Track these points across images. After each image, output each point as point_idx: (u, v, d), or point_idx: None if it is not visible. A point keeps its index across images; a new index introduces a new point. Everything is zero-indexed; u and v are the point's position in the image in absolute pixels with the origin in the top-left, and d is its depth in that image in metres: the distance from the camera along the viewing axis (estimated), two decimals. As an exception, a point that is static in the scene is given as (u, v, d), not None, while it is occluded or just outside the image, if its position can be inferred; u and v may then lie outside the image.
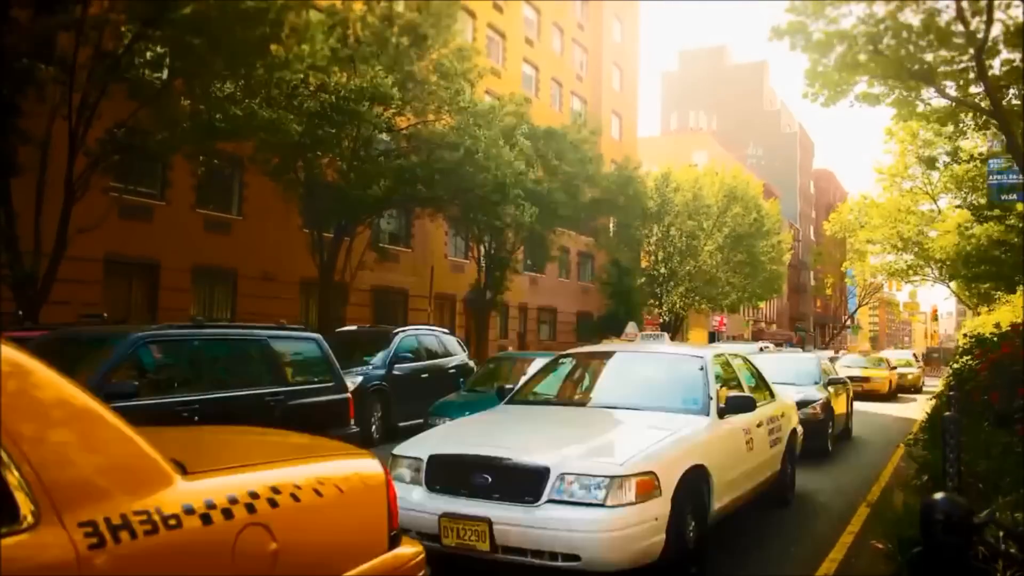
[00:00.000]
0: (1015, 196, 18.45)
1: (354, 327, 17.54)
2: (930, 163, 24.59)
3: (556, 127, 28.77)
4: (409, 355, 14.01)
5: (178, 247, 20.25)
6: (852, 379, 18.81)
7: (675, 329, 44.04)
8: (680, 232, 41.14)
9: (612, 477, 4.50)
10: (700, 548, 5.10)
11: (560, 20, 40.70)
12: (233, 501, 2.43)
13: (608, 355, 7.70)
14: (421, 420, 10.11)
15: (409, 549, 3.07)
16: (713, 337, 54.69)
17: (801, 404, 9.29)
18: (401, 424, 12.14)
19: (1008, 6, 12.89)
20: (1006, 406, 6.91)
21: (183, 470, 2.41)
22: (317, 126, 17.58)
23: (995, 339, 8.52)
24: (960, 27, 12.54)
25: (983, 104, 14.04)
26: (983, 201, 21.87)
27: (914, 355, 37.45)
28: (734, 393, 6.20)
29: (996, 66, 13.75)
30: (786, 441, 7.35)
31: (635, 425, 5.62)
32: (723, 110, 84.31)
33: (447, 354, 15.19)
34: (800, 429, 8.00)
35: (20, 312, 12.59)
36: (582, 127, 30.56)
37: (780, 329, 78.16)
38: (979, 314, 32.07)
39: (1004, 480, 4.96)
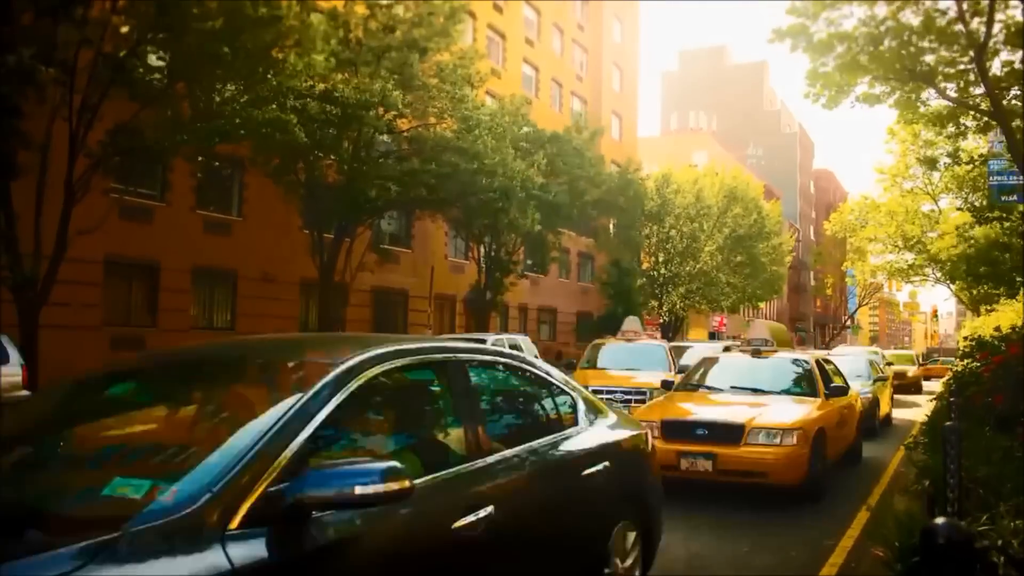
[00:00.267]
0: (1015, 197, 18.43)
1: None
2: (931, 164, 24.59)
3: (559, 131, 28.79)
4: None
5: (178, 248, 20.25)
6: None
7: (675, 329, 44.06)
8: (680, 233, 41.15)
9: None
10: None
11: (560, 21, 40.70)
12: None
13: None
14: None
15: None
16: (713, 337, 54.71)
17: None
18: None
19: (1008, 6, 12.90)
20: (1010, 409, 6.88)
21: None
22: (319, 128, 17.59)
23: (996, 342, 8.50)
24: (960, 27, 12.55)
25: (983, 105, 14.04)
26: (984, 202, 21.85)
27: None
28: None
29: (997, 67, 13.78)
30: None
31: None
32: (723, 110, 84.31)
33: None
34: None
35: None
36: (583, 129, 30.55)
37: (780, 329, 78.06)
38: (979, 315, 32.06)
39: (1005, 486, 4.94)
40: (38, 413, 3.21)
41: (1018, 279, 20.55)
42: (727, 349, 13.89)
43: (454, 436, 3.22)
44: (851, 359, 15.44)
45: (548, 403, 4.02)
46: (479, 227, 25.35)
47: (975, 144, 20.83)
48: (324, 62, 15.30)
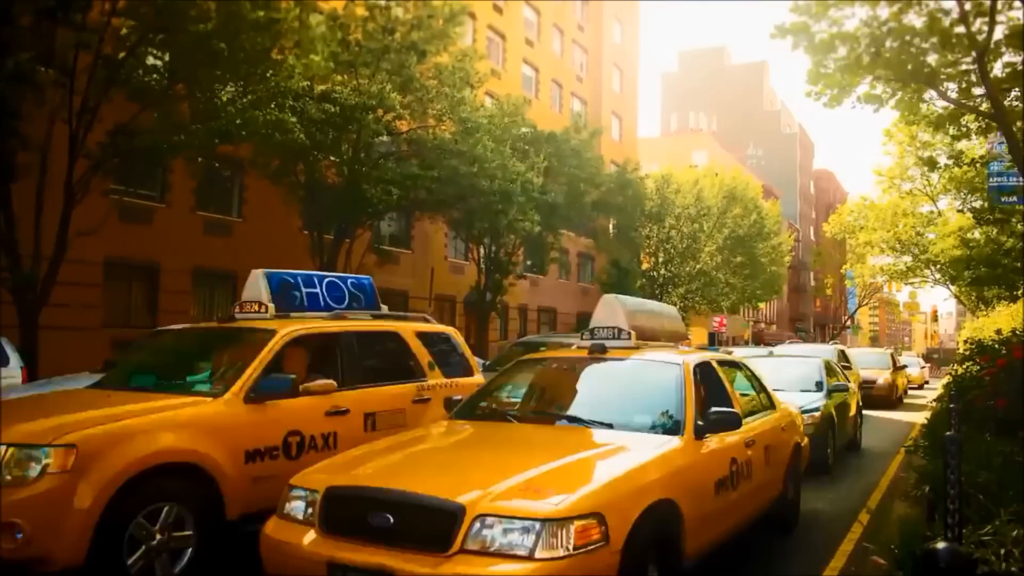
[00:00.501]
0: (1015, 199, 18.42)
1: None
2: (931, 165, 24.56)
3: (558, 131, 28.78)
4: None
5: (178, 249, 20.24)
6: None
7: (675, 330, 43.98)
8: (680, 234, 41.14)
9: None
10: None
11: (560, 21, 40.68)
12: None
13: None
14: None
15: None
16: (713, 338, 54.67)
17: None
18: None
19: (1010, 7, 12.88)
20: (1012, 413, 6.88)
21: None
22: (318, 130, 17.58)
23: (997, 345, 8.49)
24: (962, 29, 12.52)
25: (984, 107, 14.02)
26: (984, 204, 21.85)
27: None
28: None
29: (999, 68, 13.75)
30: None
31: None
32: (723, 110, 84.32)
33: None
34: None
35: None
36: (582, 129, 30.53)
37: (780, 330, 78.14)
38: (979, 316, 32.07)
39: (1006, 492, 4.94)
40: None
41: (1018, 281, 20.54)
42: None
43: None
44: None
45: None
46: (479, 228, 25.34)
47: (974, 144, 20.82)
48: (323, 64, 15.29)
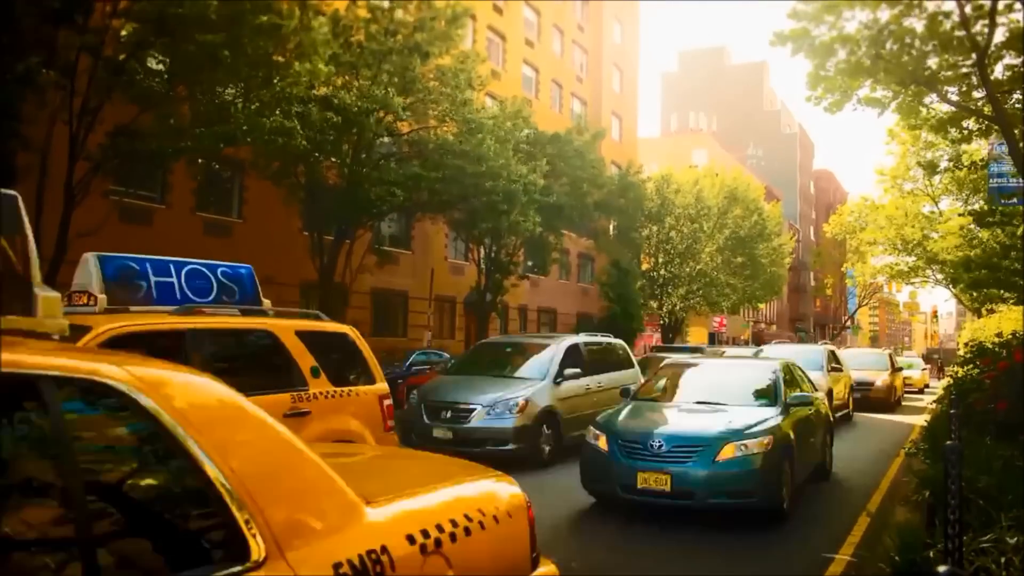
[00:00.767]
0: (1015, 201, 18.44)
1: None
2: (931, 168, 24.58)
3: (560, 131, 28.79)
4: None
5: (178, 250, 19.98)
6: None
7: (675, 330, 44.07)
8: (680, 234, 41.15)
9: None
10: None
11: (560, 22, 40.68)
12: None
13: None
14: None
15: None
16: (713, 338, 54.69)
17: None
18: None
19: (1010, 9, 12.90)
20: (1013, 416, 6.88)
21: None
22: (319, 132, 17.57)
23: (997, 348, 8.49)
24: (963, 32, 12.53)
25: (985, 109, 14.04)
26: (984, 206, 21.84)
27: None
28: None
29: (999, 71, 13.78)
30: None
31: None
32: (723, 111, 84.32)
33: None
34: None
35: None
36: (584, 130, 30.54)
37: (780, 330, 78.14)
38: (980, 316, 32.05)
39: (1006, 497, 4.95)
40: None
41: (1019, 283, 20.54)
42: None
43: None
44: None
45: None
46: (480, 229, 25.34)
47: (977, 147, 20.83)
48: (326, 69, 15.31)
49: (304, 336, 6.38)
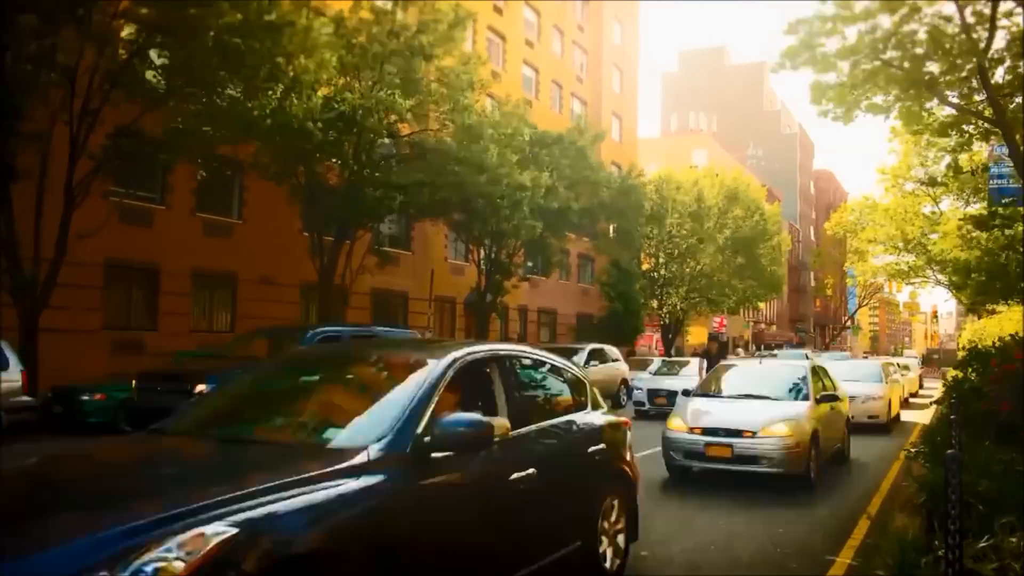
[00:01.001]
0: (1016, 203, 18.44)
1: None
2: (931, 182, 24.62)
3: (561, 133, 28.80)
4: None
5: (178, 251, 20.24)
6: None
7: (675, 330, 44.11)
8: (681, 234, 41.17)
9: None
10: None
11: (560, 22, 40.68)
12: None
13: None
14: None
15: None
16: (713, 339, 54.70)
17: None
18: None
19: (1011, 14, 12.90)
20: (1014, 418, 6.89)
21: None
22: (320, 132, 17.57)
23: (996, 352, 8.50)
24: (963, 36, 12.54)
25: (986, 112, 14.05)
26: (985, 210, 21.83)
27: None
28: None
29: (999, 75, 13.78)
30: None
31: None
32: (723, 111, 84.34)
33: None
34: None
35: None
36: (584, 131, 30.55)
37: (780, 330, 78.17)
38: (980, 317, 32.05)
39: (1005, 502, 4.95)
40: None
41: (1020, 286, 20.53)
42: None
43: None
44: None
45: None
46: (481, 231, 25.36)
47: (978, 150, 20.83)
48: (333, 59, 15.34)
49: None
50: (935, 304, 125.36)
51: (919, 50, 12.66)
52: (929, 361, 50.64)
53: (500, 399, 4.53)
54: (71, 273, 15.48)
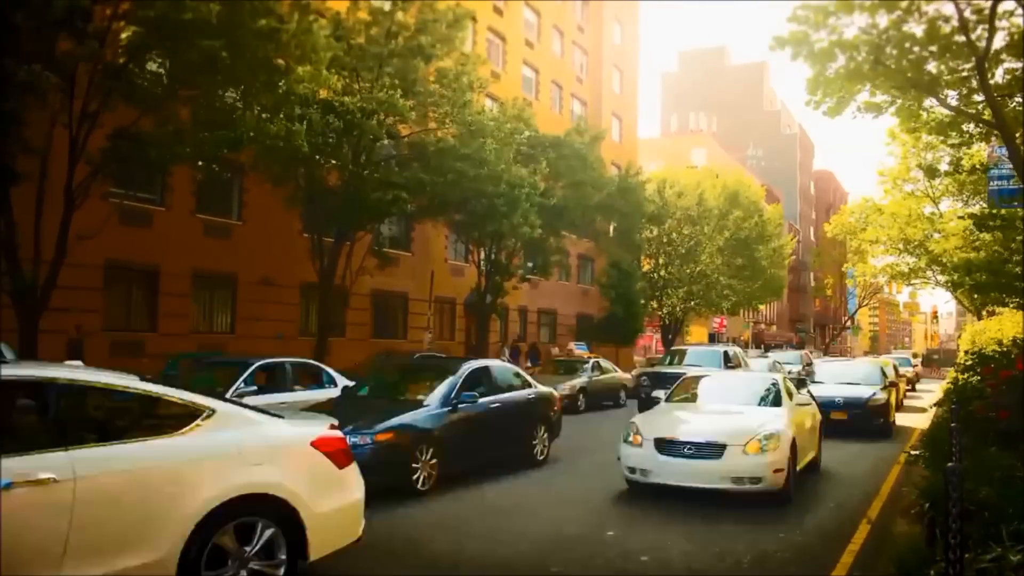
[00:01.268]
0: (1016, 204, 18.44)
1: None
2: (931, 172, 24.58)
3: (560, 134, 28.79)
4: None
5: (178, 252, 20.23)
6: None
7: (675, 331, 44.10)
8: (681, 236, 41.16)
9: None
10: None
11: (560, 22, 40.66)
12: None
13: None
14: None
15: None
16: (713, 339, 54.67)
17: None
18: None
19: (1010, 14, 12.89)
20: (1014, 424, 6.88)
21: None
22: (319, 135, 17.55)
23: (998, 355, 8.48)
24: (962, 37, 12.53)
25: (985, 114, 14.03)
26: (984, 210, 21.82)
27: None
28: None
29: (999, 75, 13.76)
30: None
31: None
32: (723, 111, 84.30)
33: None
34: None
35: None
36: (584, 132, 30.54)
37: (780, 330, 78.15)
38: (980, 318, 32.01)
39: (1007, 509, 4.94)
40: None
41: (1019, 286, 20.52)
42: None
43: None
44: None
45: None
46: (481, 232, 25.34)
47: (977, 150, 20.82)
48: (328, 75, 15.33)
49: None
50: (935, 304, 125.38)
51: (917, 49, 12.63)
52: (929, 362, 50.55)
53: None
54: (71, 274, 15.47)
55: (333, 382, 12.47)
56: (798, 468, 9.05)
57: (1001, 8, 12.32)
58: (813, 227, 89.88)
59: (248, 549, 4.62)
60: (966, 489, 4.62)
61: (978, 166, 20.60)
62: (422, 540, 6.92)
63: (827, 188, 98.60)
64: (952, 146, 18.55)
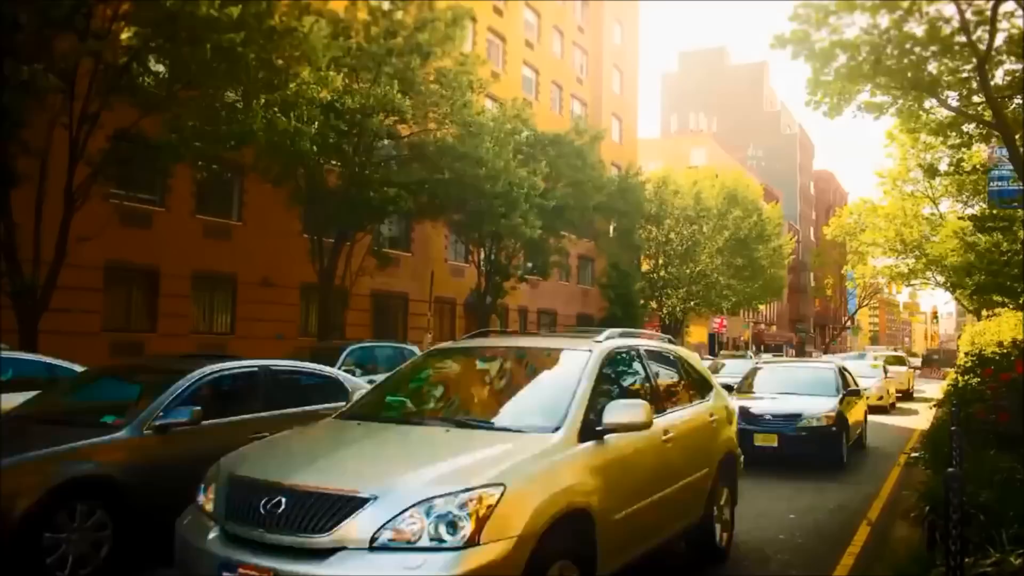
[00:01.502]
0: (1016, 205, 18.43)
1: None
2: (931, 172, 24.53)
3: (561, 132, 28.78)
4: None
5: (178, 253, 20.23)
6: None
7: (675, 331, 44.10)
8: (680, 236, 41.16)
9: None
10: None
11: (560, 23, 40.66)
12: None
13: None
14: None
15: None
16: (713, 339, 54.65)
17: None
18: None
19: (1011, 15, 12.89)
20: (1014, 428, 6.88)
21: None
22: (321, 135, 17.55)
23: (998, 357, 8.48)
24: (963, 37, 12.52)
25: (985, 115, 14.03)
26: (984, 211, 21.81)
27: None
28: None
29: (999, 76, 13.76)
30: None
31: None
32: (723, 111, 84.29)
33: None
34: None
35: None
36: (583, 132, 30.55)
37: (780, 331, 78.14)
38: (980, 318, 31.99)
39: (1007, 513, 4.93)
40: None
41: (1018, 288, 20.52)
42: None
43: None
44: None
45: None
46: (480, 232, 25.34)
47: (977, 150, 20.81)
48: (329, 75, 15.34)
49: None
50: (935, 305, 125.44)
51: (918, 49, 12.62)
52: (929, 362, 50.44)
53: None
54: (71, 275, 15.45)
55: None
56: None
57: (1002, 9, 12.32)
58: (813, 227, 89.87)
59: None
60: (966, 492, 4.62)
61: (978, 167, 20.59)
62: None
63: (827, 188, 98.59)
64: (952, 147, 18.51)
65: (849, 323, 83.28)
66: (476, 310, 28.83)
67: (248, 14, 13.18)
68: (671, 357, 6.40)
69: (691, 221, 41.36)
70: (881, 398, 20.91)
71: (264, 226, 22.08)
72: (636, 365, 5.66)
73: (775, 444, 10.92)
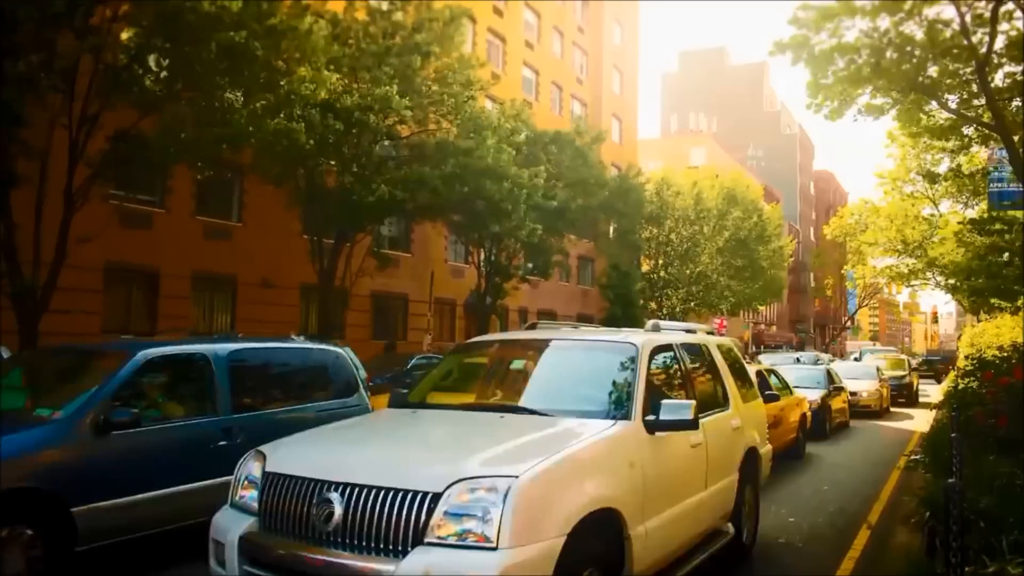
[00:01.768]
0: (1016, 206, 18.42)
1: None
2: (931, 177, 24.55)
3: (560, 130, 28.78)
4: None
5: (178, 254, 20.23)
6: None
7: (675, 332, 44.07)
8: (680, 236, 41.16)
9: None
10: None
11: (560, 23, 40.65)
12: None
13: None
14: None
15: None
16: (713, 339, 54.57)
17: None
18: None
19: (1011, 17, 12.89)
20: (1014, 432, 6.89)
21: None
22: (320, 135, 17.55)
23: (998, 361, 8.49)
24: (963, 40, 12.53)
25: (985, 117, 14.03)
26: (984, 213, 21.80)
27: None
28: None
29: (999, 78, 13.77)
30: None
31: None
32: (723, 111, 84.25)
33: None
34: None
35: None
36: (584, 132, 30.54)
37: (780, 331, 78.12)
38: (980, 319, 31.98)
39: (1007, 519, 4.94)
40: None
41: (1017, 289, 20.52)
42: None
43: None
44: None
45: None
46: (480, 232, 25.32)
47: (977, 151, 20.81)
48: (328, 75, 15.33)
49: None
50: (935, 305, 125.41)
51: (918, 52, 12.63)
52: (929, 365, 50.34)
53: None
54: (71, 276, 15.44)
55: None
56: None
57: (1002, 11, 12.32)
58: (813, 227, 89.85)
59: None
60: (967, 498, 4.62)
61: (977, 171, 20.60)
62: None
63: (827, 188, 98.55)
64: (953, 151, 18.52)
65: (849, 323, 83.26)
66: (476, 311, 28.83)
67: (249, 13, 13.18)
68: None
69: (691, 222, 41.36)
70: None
71: (264, 227, 22.08)
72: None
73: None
